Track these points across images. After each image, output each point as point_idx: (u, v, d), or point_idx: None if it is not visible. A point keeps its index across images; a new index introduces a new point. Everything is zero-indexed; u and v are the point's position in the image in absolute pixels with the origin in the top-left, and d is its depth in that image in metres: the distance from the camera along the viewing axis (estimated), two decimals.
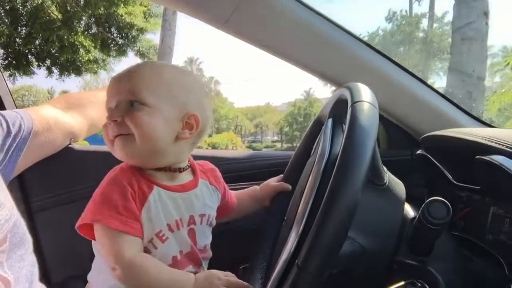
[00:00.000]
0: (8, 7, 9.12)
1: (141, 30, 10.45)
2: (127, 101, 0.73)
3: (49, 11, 9.22)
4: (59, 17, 9.24)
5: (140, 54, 10.96)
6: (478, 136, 0.75)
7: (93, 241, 0.77)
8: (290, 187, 0.94)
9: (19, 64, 10.06)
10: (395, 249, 0.70)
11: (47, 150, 1.08)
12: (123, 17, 9.83)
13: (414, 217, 0.71)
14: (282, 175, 1.00)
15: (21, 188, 1.14)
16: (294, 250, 0.61)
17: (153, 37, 12.28)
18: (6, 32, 9.30)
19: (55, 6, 9.34)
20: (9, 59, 10.05)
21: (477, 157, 0.69)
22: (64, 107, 1.12)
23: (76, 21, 9.55)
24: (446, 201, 0.63)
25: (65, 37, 9.44)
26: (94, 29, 10.26)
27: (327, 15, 0.97)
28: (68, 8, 9.24)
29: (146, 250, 0.74)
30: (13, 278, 0.68)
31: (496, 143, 0.69)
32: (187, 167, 0.82)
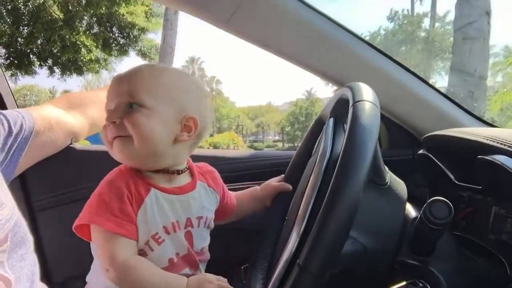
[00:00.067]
0: (10, 6, 9.16)
1: (143, 30, 10.48)
2: (126, 103, 0.73)
3: (50, 10, 9.26)
4: (60, 16, 9.28)
5: (142, 53, 10.99)
6: (480, 135, 0.74)
7: (91, 242, 0.77)
8: (291, 187, 0.94)
9: (21, 63, 10.09)
10: (397, 249, 0.70)
11: (49, 149, 1.08)
12: (124, 17, 9.87)
13: (416, 217, 0.71)
14: (283, 175, 0.99)
15: (23, 187, 1.14)
16: (295, 250, 0.60)
17: (155, 37, 12.31)
18: (8, 32, 9.35)
19: (57, 6, 9.38)
20: (11, 58, 10.09)
21: (479, 157, 0.69)
22: (65, 107, 1.12)
23: (77, 20, 9.59)
24: (448, 201, 0.63)
25: (67, 36, 9.48)
26: (95, 29, 10.30)
27: (328, 15, 0.97)
28: (70, 7, 9.27)
29: (143, 252, 0.74)
30: (14, 277, 0.68)
31: (498, 142, 0.69)
32: (186, 169, 0.82)
